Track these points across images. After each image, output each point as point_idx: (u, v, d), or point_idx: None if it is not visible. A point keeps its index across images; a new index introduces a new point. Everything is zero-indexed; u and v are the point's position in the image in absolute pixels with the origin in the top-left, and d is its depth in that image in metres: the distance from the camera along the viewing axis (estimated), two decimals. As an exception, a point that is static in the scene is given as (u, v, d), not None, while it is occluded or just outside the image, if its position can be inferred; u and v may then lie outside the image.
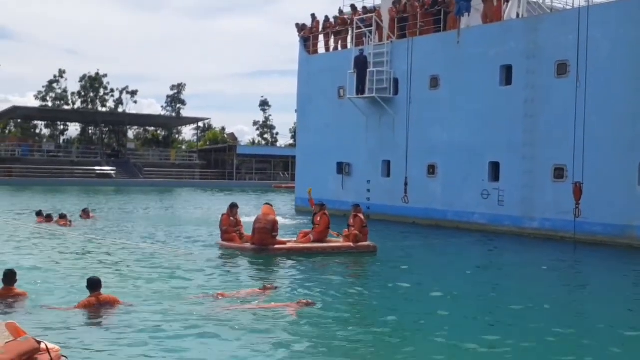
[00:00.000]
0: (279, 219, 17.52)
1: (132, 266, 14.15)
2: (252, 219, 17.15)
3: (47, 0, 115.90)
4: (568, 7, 25.01)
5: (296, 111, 34.13)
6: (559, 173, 21.43)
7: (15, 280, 10.59)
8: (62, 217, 22.18)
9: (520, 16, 24.42)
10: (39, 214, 23.15)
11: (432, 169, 25.62)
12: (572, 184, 20.30)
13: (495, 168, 23.56)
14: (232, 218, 17.30)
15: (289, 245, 16.62)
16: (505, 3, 24.45)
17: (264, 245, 15.97)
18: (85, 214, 23.97)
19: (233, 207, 17.47)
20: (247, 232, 17.24)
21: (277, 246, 16.16)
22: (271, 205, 17.06)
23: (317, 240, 17.02)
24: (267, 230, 16.07)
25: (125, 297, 10.60)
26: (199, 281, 12.59)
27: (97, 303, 9.93)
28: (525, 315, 10.52)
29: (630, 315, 11.14)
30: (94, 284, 10.09)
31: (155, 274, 13.24)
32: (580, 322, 10.46)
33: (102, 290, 10.15)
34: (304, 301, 10.39)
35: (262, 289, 11.35)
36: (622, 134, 19.97)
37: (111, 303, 10.07)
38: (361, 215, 17.45)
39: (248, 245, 16.33)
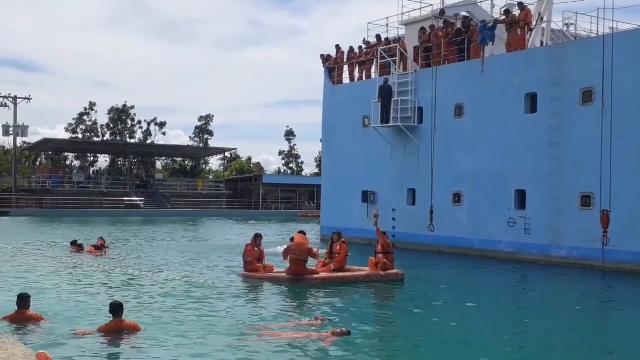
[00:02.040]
0: None
1: (162, 296, 14.26)
2: (280, 249, 17.29)
3: (76, 33, 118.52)
4: (592, 35, 25.02)
5: (321, 140, 34.33)
6: (586, 201, 21.25)
7: (29, 304, 10.89)
8: (98, 248, 22.69)
9: (545, 44, 24.47)
10: (73, 243, 23.67)
11: (457, 197, 25.56)
12: (599, 211, 20.09)
13: (521, 196, 23.43)
14: (256, 249, 17.39)
15: (323, 275, 16.69)
16: (529, 32, 24.50)
17: (299, 276, 16.09)
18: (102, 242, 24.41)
19: (257, 237, 17.55)
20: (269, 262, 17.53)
21: (312, 276, 16.28)
22: (305, 234, 17.17)
23: (337, 270, 17.13)
24: (302, 261, 16.22)
25: (154, 326, 10.72)
26: (241, 312, 12.55)
27: (117, 329, 10.09)
28: (555, 352, 10.39)
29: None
30: (115, 309, 10.27)
31: (191, 304, 13.24)
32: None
33: (130, 318, 10.30)
34: (339, 330, 10.37)
35: (314, 320, 11.39)
36: (650, 161, 19.79)
37: (132, 330, 10.22)
38: (388, 240, 17.78)
39: (283, 275, 16.43)
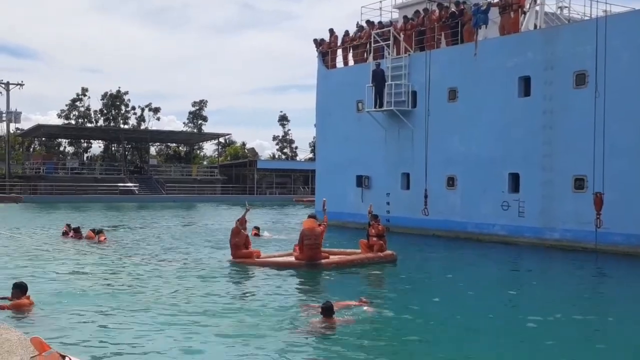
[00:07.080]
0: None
1: (172, 280, 14.32)
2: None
3: (69, 19, 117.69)
4: (586, 18, 25.00)
5: (315, 125, 34.28)
6: (579, 184, 21.34)
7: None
8: (97, 232, 22.56)
9: (538, 27, 24.43)
10: (75, 229, 23.36)
11: (451, 181, 25.62)
12: (592, 194, 20.20)
13: (514, 179, 23.50)
14: (242, 231, 17.30)
15: (336, 259, 17.05)
16: (523, 15, 24.45)
17: (315, 260, 16.29)
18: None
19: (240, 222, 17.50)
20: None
21: (327, 260, 16.60)
22: (315, 217, 17.29)
23: None
24: (317, 245, 16.38)
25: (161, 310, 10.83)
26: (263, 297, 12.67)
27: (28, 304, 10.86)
28: (547, 334, 10.47)
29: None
30: (18, 286, 11.07)
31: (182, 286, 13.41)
32: (602, 340, 10.34)
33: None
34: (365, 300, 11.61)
35: (359, 301, 11.70)
36: (643, 144, 19.85)
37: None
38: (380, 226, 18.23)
39: (296, 261, 16.58)
